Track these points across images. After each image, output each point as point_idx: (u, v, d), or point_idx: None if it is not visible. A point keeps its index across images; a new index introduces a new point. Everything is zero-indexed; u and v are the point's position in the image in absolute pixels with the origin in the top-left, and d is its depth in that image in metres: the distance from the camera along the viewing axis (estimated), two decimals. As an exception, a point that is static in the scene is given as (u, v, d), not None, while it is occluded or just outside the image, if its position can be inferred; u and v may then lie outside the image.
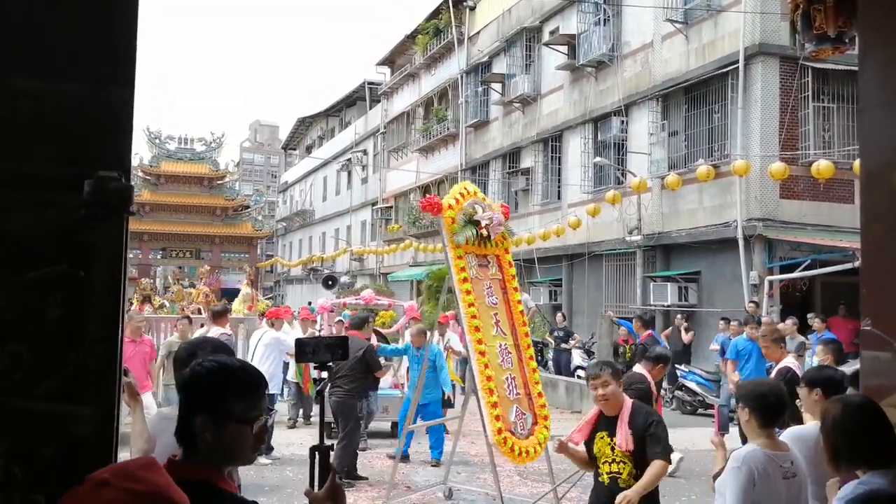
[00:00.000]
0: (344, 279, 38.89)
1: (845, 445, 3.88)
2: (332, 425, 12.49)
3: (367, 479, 11.77)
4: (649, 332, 15.27)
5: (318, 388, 3.54)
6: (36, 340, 1.90)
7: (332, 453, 3.04)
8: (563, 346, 21.68)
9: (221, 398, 2.54)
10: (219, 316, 12.55)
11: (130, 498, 1.66)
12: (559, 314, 24.58)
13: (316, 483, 2.97)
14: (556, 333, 22.19)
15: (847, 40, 5.48)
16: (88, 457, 1.91)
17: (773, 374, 9.28)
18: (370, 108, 50.19)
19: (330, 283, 37.01)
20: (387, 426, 15.52)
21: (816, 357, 8.71)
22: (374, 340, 14.84)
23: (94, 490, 1.67)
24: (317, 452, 3.04)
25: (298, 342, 3.50)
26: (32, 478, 1.87)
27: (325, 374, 3.54)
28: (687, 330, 19.70)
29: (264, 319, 16.40)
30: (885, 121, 4.74)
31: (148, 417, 4.17)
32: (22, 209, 1.91)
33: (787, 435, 5.10)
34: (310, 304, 41.75)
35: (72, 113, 2.00)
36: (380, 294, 23.83)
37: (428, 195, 17.05)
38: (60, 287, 1.92)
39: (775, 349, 9.36)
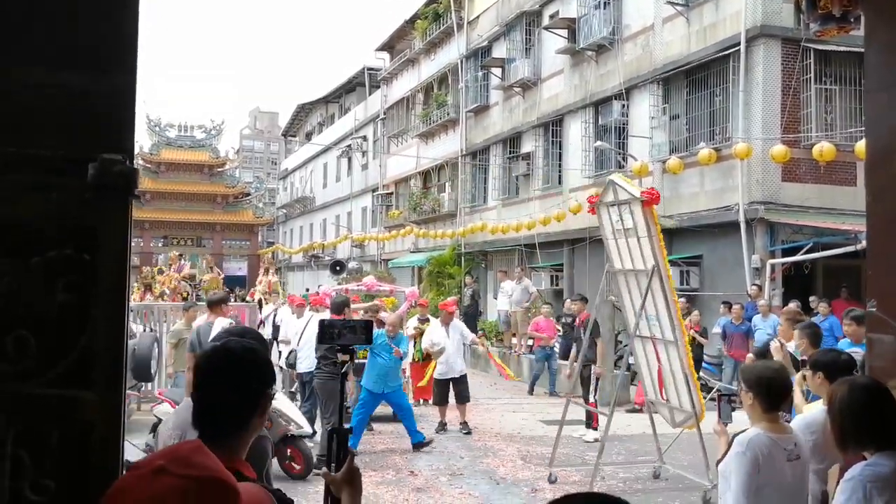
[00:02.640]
0: (352, 265, 38.76)
1: (852, 427, 3.89)
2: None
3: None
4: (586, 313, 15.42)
5: (342, 370, 3.55)
6: (42, 326, 1.89)
7: (349, 437, 3.08)
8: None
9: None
10: (216, 305, 11.99)
11: (189, 484, 1.67)
12: (567, 300, 24.51)
13: (333, 465, 3.00)
14: (563, 320, 22.02)
15: (852, 20, 5.44)
16: (96, 442, 1.92)
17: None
18: (370, 94, 50.08)
19: (338, 268, 36.88)
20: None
21: (794, 341, 8.74)
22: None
23: (151, 477, 1.67)
24: (335, 435, 3.07)
25: (323, 324, 3.51)
26: (41, 463, 1.87)
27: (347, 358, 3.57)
28: (684, 317, 19.63)
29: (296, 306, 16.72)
30: (891, 103, 4.71)
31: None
32: (26, 194, 1.90)
33: (796, 423, 5.12)
34: (307, 290, 41.75)
35: (75, 98, 1.98)
36: (381, 280, 23.71)
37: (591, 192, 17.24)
38: (66, 272, 1.91)
39: (787, 329, 9.40)
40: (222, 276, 31.90)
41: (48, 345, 1.88)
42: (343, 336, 3.48)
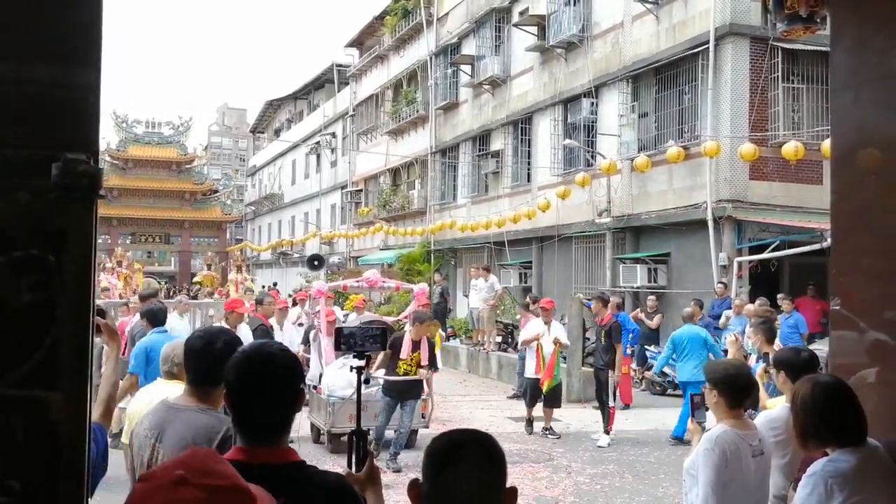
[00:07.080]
0: (334, 259, 38.18)
1: (814, 424, 3.95)
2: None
3: None
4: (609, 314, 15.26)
5: (360, 376, 3.68)
6: (6, 326, 1.89)
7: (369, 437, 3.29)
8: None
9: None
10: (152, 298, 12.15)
11: (210, 496, 1.68)
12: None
13: (354, 465, 3.17)
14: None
15: (818, 20, 5.49)
16: (62, 441, 1.92)
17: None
18: (339, 91, 49.92)
19: (316, 263, 36.49)
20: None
21: (747, 339, 8.87)
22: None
23: (172, 488, 1.67)
24: (355, 436, 3.23)
25: (339, 331, 3.67)
26: (6, 463, 1.87)
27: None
28: (652, 315, 19.75)
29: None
30: (856, 102, 4.76)
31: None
32: (-9, 193, 1.89)
33: (759, 419, 5.20)
34: (275, 284, 41.50)
35: (37, 95, 1.97)
36: (385, 276, 21.53)
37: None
38: (30, 272, 1.91)
39: None
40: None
41: (13, 345, 1.88)
42: (360, 343, 3.70)
